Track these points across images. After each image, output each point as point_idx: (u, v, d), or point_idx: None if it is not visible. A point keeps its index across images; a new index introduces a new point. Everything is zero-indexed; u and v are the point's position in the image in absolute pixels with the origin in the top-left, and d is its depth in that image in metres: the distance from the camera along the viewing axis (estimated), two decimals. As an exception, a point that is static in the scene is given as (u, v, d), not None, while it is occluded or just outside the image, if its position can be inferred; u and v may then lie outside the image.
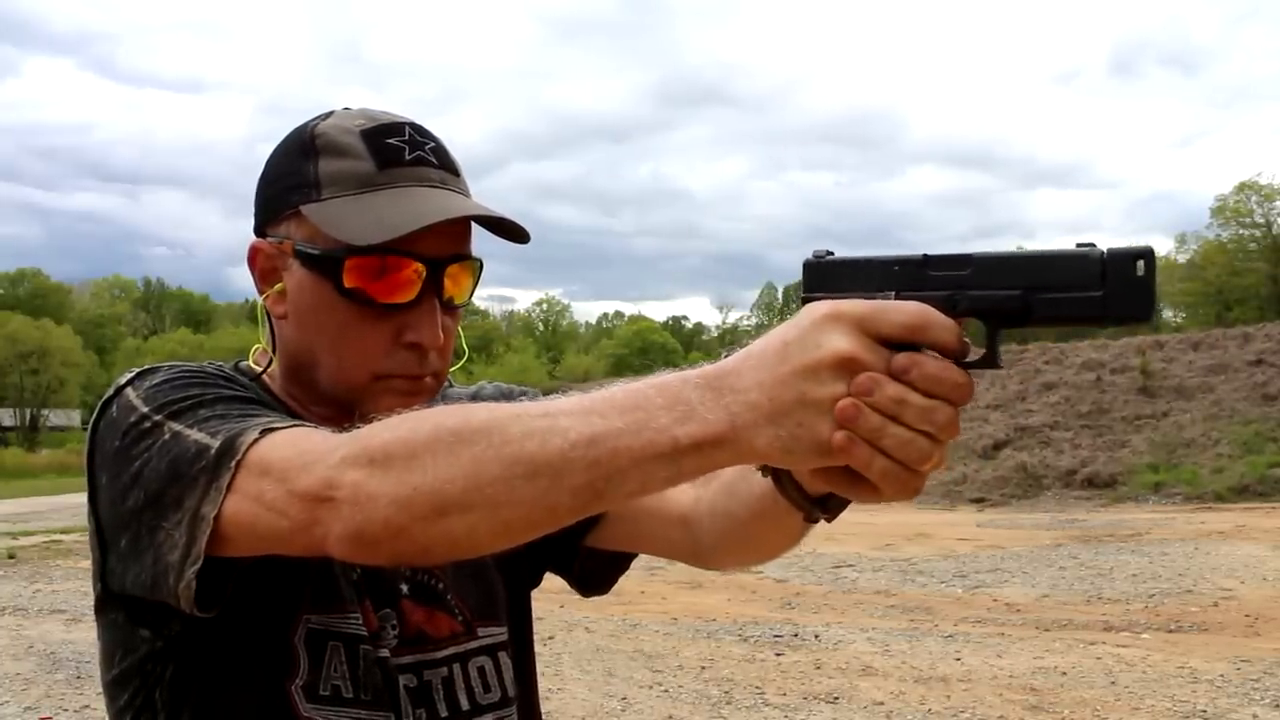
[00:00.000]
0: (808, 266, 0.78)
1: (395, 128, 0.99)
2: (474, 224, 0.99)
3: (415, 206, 0.94)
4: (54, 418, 55.61)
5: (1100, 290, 0.69)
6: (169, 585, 0.84)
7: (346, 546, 0.76)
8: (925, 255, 0.74)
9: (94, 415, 0.94)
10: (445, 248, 0.96)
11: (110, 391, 0.94)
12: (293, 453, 0.80)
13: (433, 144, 1.01)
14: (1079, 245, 0.70)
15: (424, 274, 0.95)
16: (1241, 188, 45.50)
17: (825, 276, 0.77)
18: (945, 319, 0.69)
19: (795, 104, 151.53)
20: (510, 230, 0.98)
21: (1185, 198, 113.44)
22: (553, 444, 0.70)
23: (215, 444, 0.83)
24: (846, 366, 0.67)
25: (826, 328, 0.68)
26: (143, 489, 0.86)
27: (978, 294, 0.72)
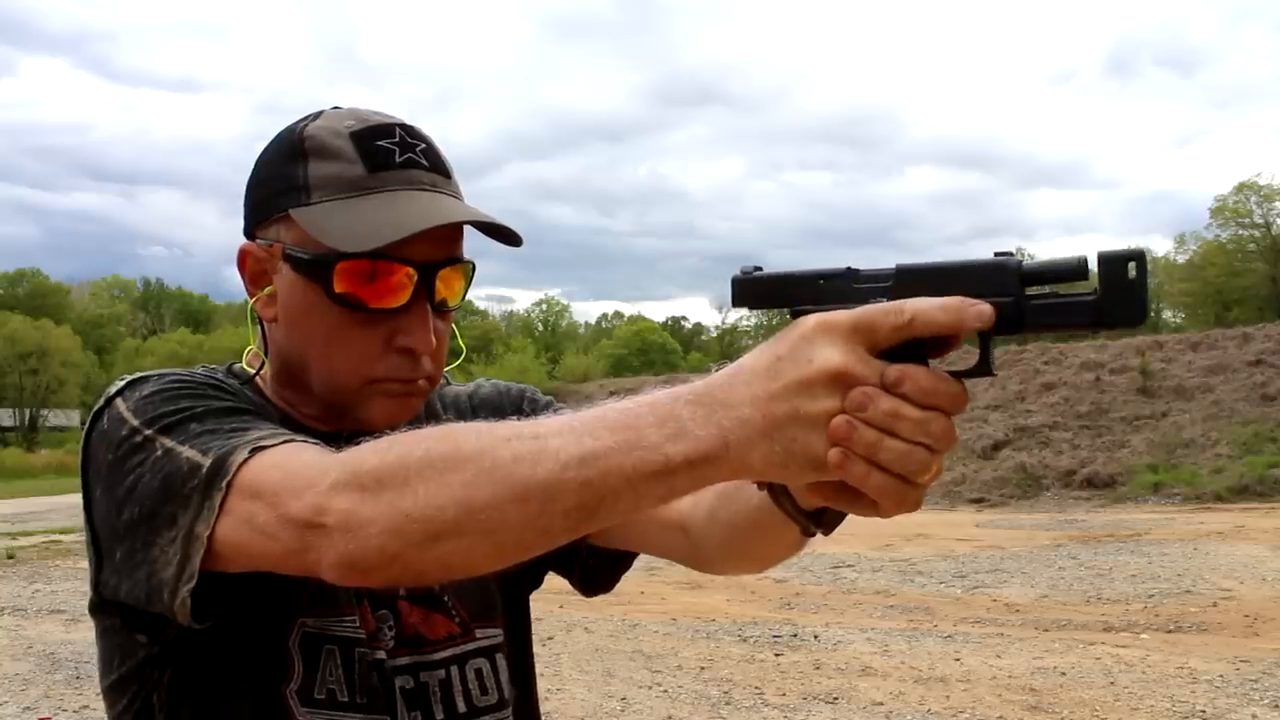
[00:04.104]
0: (735, 283, 0.78)
1: (385, 129, 0.98)
2: (467, 225, 0.98)
3: (405, 212, 0.93)
4: (53, 418, 55.57)
5: (1012, 296, 0.68)
6: (164, 600, 0.84)
7: (340, 572, 0.76)
8: (849, 268, 0.74)
9: (86, 425, 0.93)
10: (436, 251, 0.95)
11: (100, 402, 0.93)
12: (283, 475, 0.79)
13: (424, 145, 0.99)
14: (998, 254, 0.70)
15: (415, 278, 0.95)
16: (1240, 188, 45.58)
17: (754, 292, 0.77)
18: (932, 303, 0.67)
19: (793, 104, 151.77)
20: (502, 234, 0.98)
21: (1184, 198, 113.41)
22: (543, 466, 0.69)
23: (207, 462, 0.83)
24: (839, 380, 0.67)
25: (817, 341, 0.67)
26: (137, 504, 0.85)
27: None
